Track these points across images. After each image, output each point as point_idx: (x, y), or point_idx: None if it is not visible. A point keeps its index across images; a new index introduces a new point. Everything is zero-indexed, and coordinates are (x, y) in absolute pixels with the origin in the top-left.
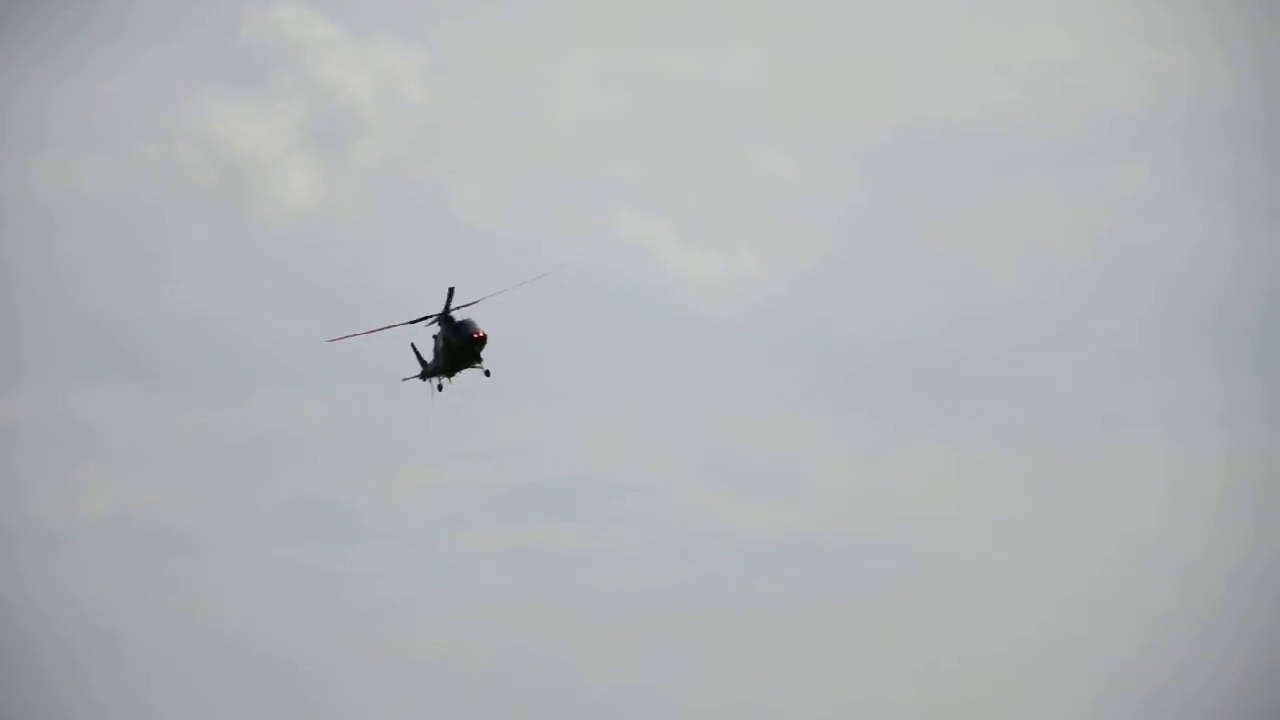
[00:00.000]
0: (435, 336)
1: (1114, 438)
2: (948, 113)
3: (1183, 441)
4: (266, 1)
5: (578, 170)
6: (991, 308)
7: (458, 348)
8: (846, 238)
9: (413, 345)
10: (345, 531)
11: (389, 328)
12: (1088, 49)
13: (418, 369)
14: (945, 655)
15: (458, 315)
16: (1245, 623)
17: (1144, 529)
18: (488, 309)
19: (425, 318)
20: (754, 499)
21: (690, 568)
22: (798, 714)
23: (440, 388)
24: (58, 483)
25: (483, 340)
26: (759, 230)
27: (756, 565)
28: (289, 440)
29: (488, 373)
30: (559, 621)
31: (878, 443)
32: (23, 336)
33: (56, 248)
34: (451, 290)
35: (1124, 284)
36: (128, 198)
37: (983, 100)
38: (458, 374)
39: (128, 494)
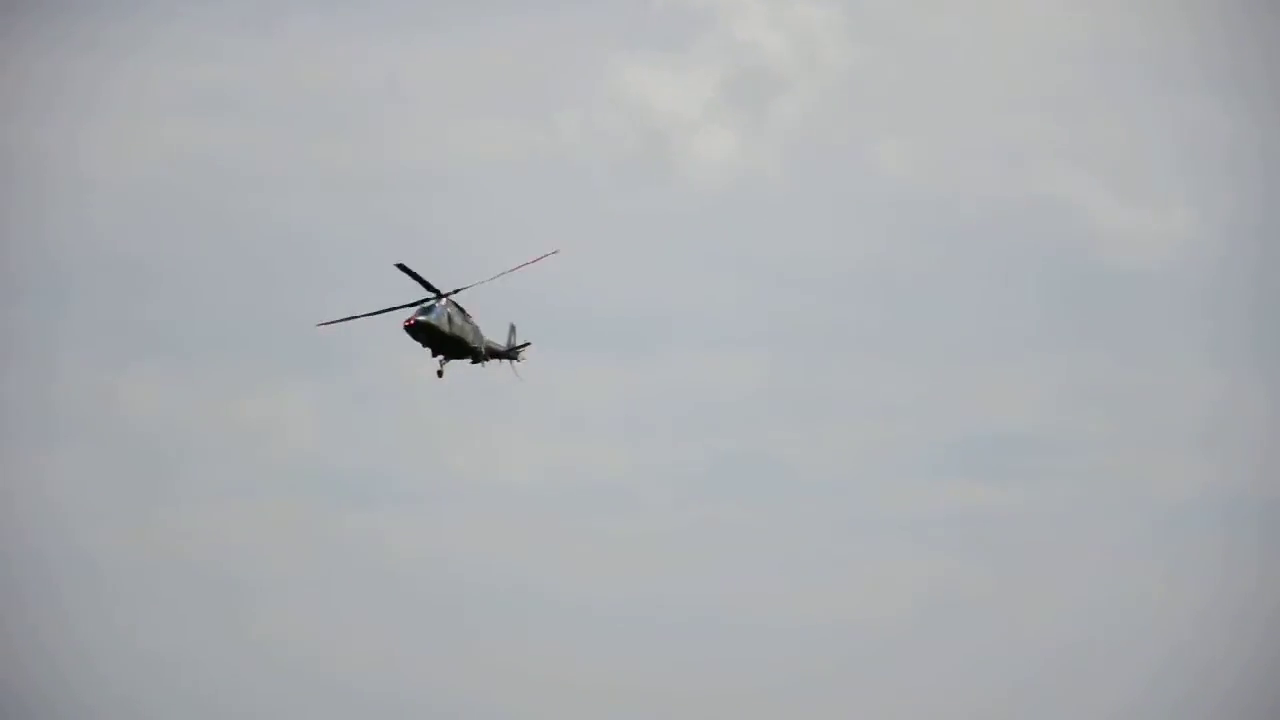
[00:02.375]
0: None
1: None
2: None
3: None
4: None
5: (996, 122)
6: None
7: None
8: (1271, 187)
9: (512, 326)
10: (769, 487)
11: (388, 310)
12: None
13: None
14: None
15: (436, 302)
16: None
17: None
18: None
19: (422, 301)
20: (1176, 455)
21: (1106, 524)
22: (1232, 666)
23: (440, 373)
24: (485, 447)
25: (411, 328)
26: (1184, 182)
27: (1177, 523)
28: (712, 398)
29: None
30: (972, 577)
31: None
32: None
33: (472, 212)
34: (402, 266)
35: None
36: (550, 162)
37: None
38: (451, 360)
39: (561, 455)
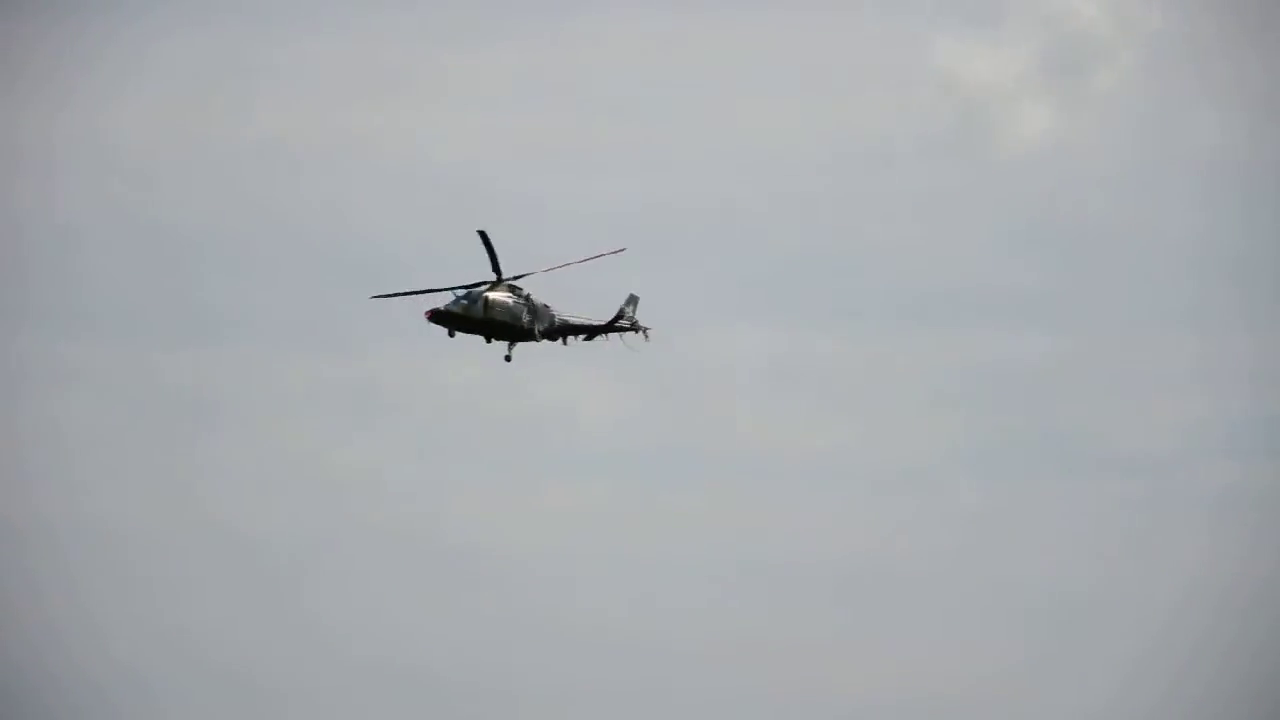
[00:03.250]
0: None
1: None
2: None
3: None
4: None
5: None
6: None
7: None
8: None
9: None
10: (1091, 461)
11: (435, 290)
12: None
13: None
14: None
15: (473, 289)
16: None
17: None
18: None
19: (481, 284)
20: None
21: None
22: None
23: (507, 357)
24: (781, 423)
25: (431, 316)
26: None
27: None
28: (1023, 372)
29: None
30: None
31: None
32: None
33: (784, 191)
34: (483, 235)
35: None
36: (862, 139)
37: None
38: (507, 343)
39: (865, 432)
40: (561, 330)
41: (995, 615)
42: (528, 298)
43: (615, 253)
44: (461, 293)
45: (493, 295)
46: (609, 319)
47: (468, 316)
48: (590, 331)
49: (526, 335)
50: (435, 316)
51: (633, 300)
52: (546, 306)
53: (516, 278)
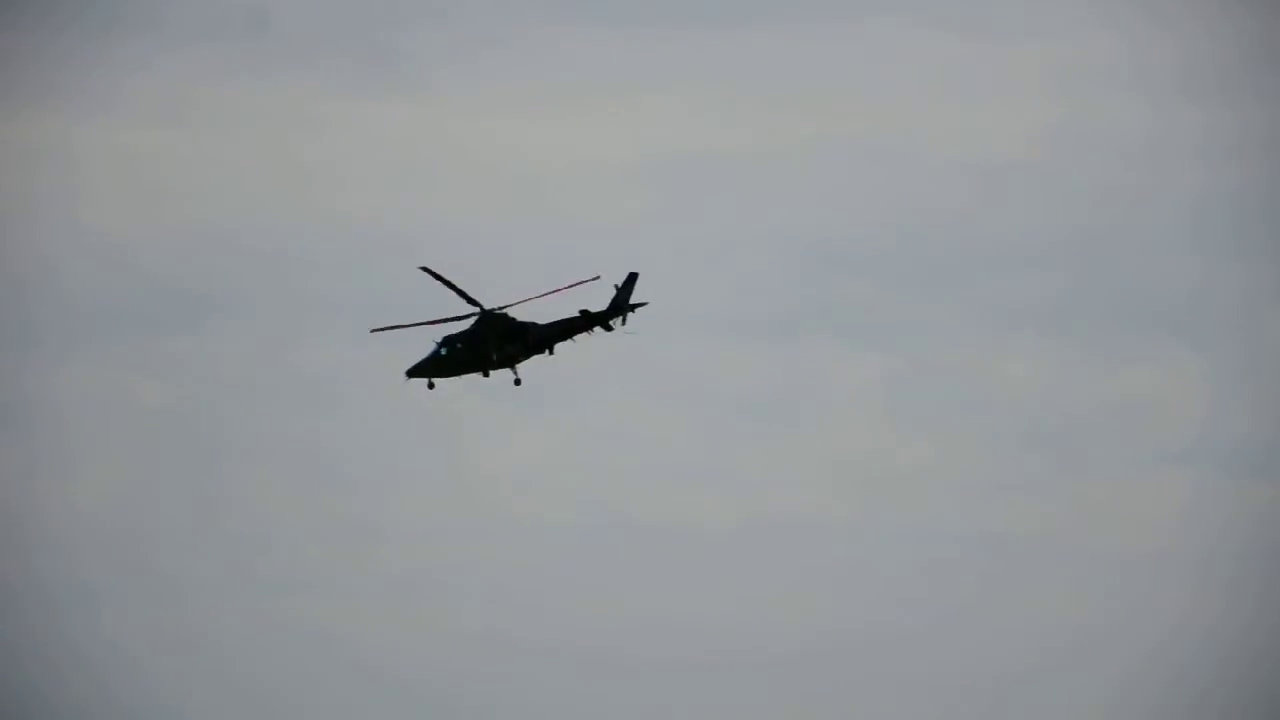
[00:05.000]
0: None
1: None
2: None
3: None
4: None
5: None
6: None
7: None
8: None
9: None
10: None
11: (441, 320)
12: None
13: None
14: None
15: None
16: None
17: None
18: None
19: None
20: None
21: None
22: None
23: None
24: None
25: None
26: None
27: None
28: None
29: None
30: None
31: None
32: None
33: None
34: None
35: None
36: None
37: None
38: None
39: None
40: (544, 340)
41: None
42: (497, 323)
43: (590, 280)
44: (433, 352)
45: (453, 335)
46: (601, 310)
47: (441, 367)
48: (579, 328)
49: (497, 363)
50: (412, 373)
51: (632, 280)
52: (524, 325)
53: (503, 307)
